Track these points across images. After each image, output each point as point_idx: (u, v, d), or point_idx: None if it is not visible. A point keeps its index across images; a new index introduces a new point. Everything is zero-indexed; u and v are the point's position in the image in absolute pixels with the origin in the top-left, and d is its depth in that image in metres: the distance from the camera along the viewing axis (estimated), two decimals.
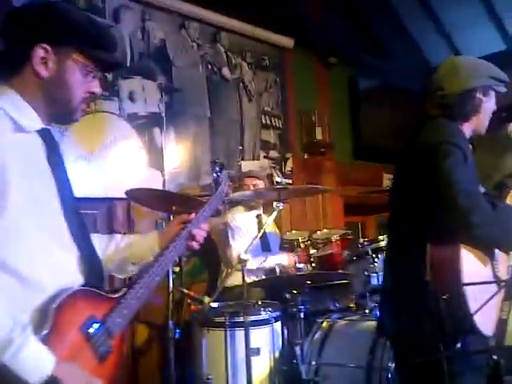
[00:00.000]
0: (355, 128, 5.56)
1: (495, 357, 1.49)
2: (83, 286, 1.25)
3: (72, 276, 1.25)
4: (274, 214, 2.74)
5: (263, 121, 4.69)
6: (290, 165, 4.86)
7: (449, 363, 1.60)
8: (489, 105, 1.87)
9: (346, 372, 2.56)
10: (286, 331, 2.85)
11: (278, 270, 3.43)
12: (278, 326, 2.83)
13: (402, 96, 6.18)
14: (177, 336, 2.68)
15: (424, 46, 6.36)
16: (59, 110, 1.29)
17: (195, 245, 1.59)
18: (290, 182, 4.82)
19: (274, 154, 4.74)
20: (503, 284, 1.42)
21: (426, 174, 1.65)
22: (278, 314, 2.85)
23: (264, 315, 2.81)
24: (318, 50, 5.14)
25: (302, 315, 2.68)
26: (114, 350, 1.27)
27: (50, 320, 1.11)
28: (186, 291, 2.76)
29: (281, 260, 3.51)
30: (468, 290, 1.52)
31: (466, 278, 1.52)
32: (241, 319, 2.68)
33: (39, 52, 1.22)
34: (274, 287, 2.96)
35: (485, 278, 1.56)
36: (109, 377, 1.27)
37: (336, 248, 3.74)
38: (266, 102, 4.73)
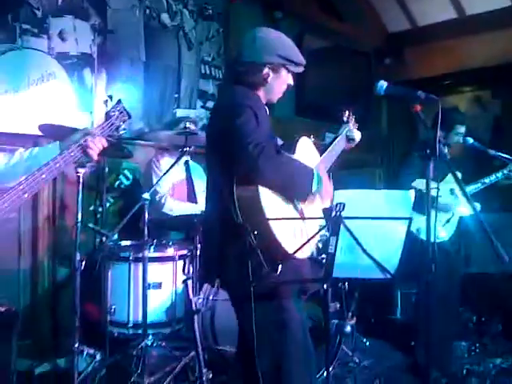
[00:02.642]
0: (298, 85, 5.65)
1: (325, 286, 1.68)
2: None
3: None
4: (182, 158, 2.86)
5: (202, 70, 4.74)
6: None
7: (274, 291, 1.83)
8: (278, 80, 2.09)
9: None
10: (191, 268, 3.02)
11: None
12: (182, 263, 3.01)
13: (350, 57, 6.30)
14: (82, 267, 2.83)
15: (381, 11, 6.46)
16: None
17: (91, 152, 1.70)
18: None
19: (212, 104, 4.82)
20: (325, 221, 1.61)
21: (225, 130, 1.91)
22: (184, 251, 3.03)
23: (168, 252, 2.98)
24: (264, 2, 5.16)
25: (197, 252, 2.86)
26: None
27: None
28: (92, 226, 2.89)
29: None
30: (274, 226, 1.75)
31: (269, 215, 1.76)
32: (144, 255, 2.85)
33: None
34: (185, 226, 3.10)
35: (287, 214, 1.84)
36: None
37: None
38: (206, 52, 4.77)
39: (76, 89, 3.83)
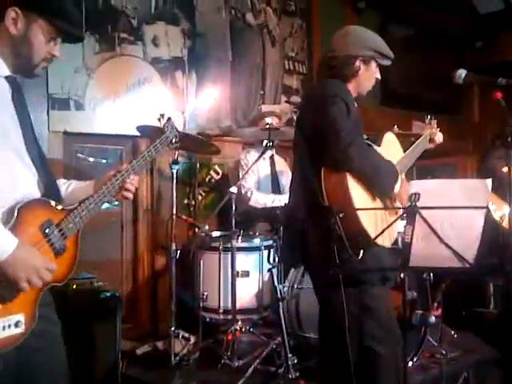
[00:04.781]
0: (383, 74, 5.58)
1: (402, 275, 1.73)
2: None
3: (30, 189, 1.55)
4: (268, 153, 2.97)
5: (286, 66, 4.85)
6: None
7: (359, 274, 1.90)
8: (368, 73, 2.18)
9: None
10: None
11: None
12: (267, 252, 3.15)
13: (436, 43, 6.11)
14: (177, 257, 3.05)
15: None
16: (22, 64, 1.59)
17: (126, 194, 1.71)
18: None
19: (296, 99, 4.92)
20: (402, 210, 1.66)
21: (317, 119, 2.01)
22: (269, 242, 3.17)
23: (255, 242, 3.14)
24: None
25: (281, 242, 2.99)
26: (68, 249, 1.57)
27: (14, 217, 1.44)
28: (185, 218, 3.11)
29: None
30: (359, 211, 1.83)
31: (355, 199, 1.84)
32: (233, 245, 3.03)
33: (11, 13, 1.54)
34: (269, 218, 3.23)
35: (370, 203, 1.92)
36: (63, 270, 1.56)
37: None
38: (290, 48, 4.87)
39: (169, 91, 4.10)
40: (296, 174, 2.16)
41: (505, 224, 3.24)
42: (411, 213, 1.65)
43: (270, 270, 2.88)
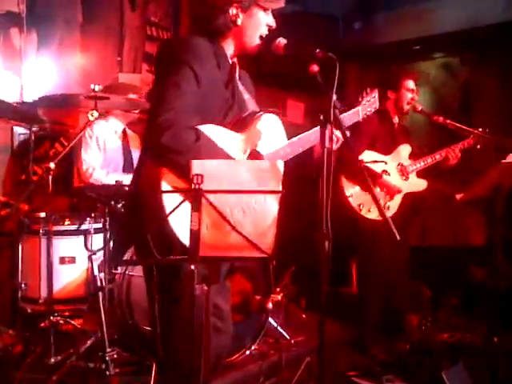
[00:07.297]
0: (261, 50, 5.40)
1: (192, 266, 1.52)
2: None
3: None
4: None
5: (149, 32, 4.49)
6: None
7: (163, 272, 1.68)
8: (252, 21, 1.79)
9: None
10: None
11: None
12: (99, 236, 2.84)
13: (318, 22, 6.03)
14: None
15: None
16: None
17: None
18: None
19: None
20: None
21: (153, 89, 1.80)
22: (98, 225, 2.86)
23: (83, 225, 2.82)
24: None
25: (107, 226, 2.68)
26: None
27: None
28: None
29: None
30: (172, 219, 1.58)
31: (166, 203, 1.57)
32: (56, 228, 2.69)
33: None
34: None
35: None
36: None
37: None
38: (153, 13, 4.52)
39: (2, 50, 3.60)
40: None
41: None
42: (196, 197, 1.43)
43: (89, 257, 2.58)
